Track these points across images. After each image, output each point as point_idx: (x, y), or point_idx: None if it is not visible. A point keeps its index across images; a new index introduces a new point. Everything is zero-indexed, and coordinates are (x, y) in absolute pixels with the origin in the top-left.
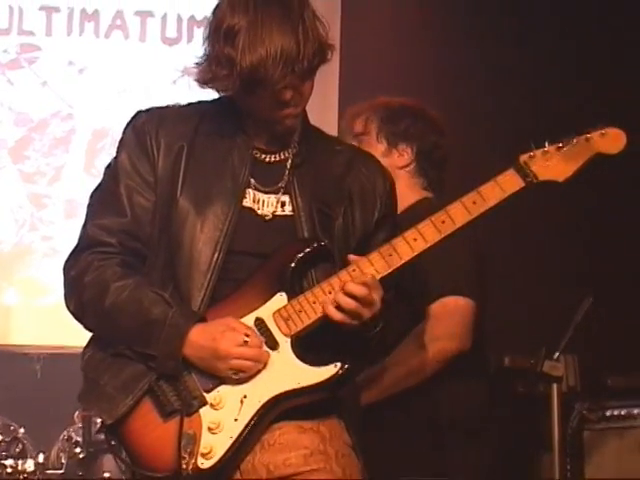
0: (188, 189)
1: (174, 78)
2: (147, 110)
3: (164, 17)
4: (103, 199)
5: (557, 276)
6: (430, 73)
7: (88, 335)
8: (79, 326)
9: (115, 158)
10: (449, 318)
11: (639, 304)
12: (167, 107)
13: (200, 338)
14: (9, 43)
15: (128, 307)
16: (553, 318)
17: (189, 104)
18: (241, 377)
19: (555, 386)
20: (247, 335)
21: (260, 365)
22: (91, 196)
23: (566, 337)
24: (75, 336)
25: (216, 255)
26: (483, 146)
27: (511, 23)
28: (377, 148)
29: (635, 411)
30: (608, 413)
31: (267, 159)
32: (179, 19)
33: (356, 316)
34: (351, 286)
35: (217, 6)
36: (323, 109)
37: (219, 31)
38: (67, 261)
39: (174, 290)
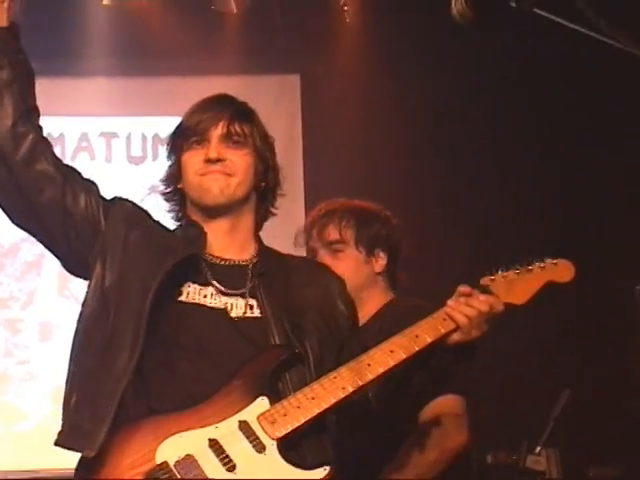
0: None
1: (141, 196)
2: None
3: (129, 137)
4: None
5: (534, 370)
6: (393, 180)
7: (67, 458)
8: (57, 450)
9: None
10: (449, 417)
11: (616, 395)
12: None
13: None
14: None
15: None
16: (532, 412)
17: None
18: None
19: None
20: None
21: None
22: None
23: (546, 431)
24: (54, 459)
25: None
26: (433, 262)
27: (478, 136)
28: (356, 256)
29: None
30: None
31: (222, 262)
32: (143, 138)
33: (471, 328)
34: (475, 301)
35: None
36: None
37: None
38: None
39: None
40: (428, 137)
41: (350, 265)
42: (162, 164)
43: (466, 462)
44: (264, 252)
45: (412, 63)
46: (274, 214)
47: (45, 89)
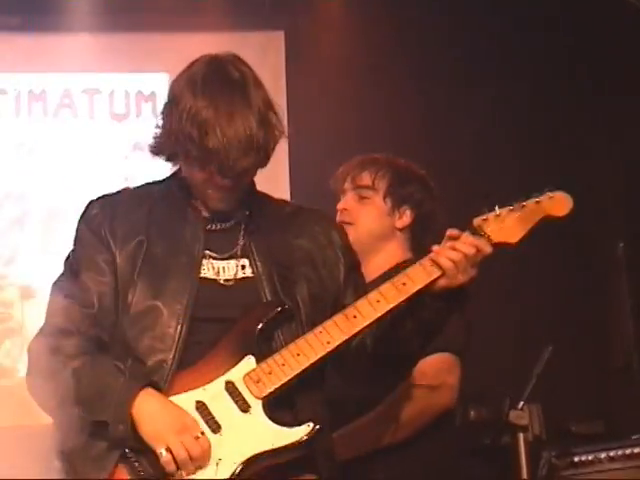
0: (146, 272)
1: (125, 153)
2: (98, 199)
3: (111, 94)
4: (66, 290)
5: (517, 326)
6: (377, 135)
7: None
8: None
9: (73, 251)
10: (440, 374)
11: (597, 351)
12: (118, 194)
13: (149, 401)
14: None
15: (84, 380)
16: (515, 368)
17: (140, 187)
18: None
19: (521, 435)
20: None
21: (197, 462)
22: (53, 288)
23: (529, 386)
24: (36, 415)
25: (179, 327)
26: None
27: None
28: (381, 206)
29: (602, 455)
30: (576, 459)
31: (219, 227)
32: (127, 95)
33: (457, 272)
34: (461, 244)
35: (175, 84)
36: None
37: (179, 110)
38: (30, 344)
39: (134, 363)
40: (413, 90)
41: (372, 212)
42: (146, 121)
43: (449, 418)
44: (257, 205)
45: (398, 19)
46: None
47: (27, 45)
